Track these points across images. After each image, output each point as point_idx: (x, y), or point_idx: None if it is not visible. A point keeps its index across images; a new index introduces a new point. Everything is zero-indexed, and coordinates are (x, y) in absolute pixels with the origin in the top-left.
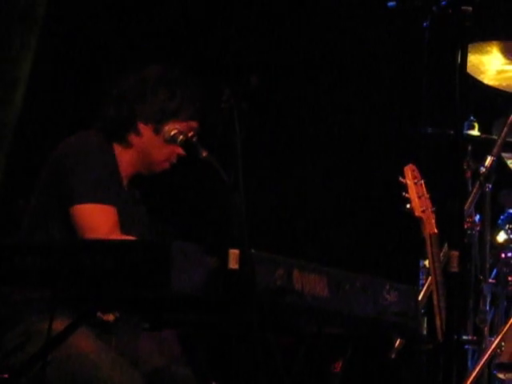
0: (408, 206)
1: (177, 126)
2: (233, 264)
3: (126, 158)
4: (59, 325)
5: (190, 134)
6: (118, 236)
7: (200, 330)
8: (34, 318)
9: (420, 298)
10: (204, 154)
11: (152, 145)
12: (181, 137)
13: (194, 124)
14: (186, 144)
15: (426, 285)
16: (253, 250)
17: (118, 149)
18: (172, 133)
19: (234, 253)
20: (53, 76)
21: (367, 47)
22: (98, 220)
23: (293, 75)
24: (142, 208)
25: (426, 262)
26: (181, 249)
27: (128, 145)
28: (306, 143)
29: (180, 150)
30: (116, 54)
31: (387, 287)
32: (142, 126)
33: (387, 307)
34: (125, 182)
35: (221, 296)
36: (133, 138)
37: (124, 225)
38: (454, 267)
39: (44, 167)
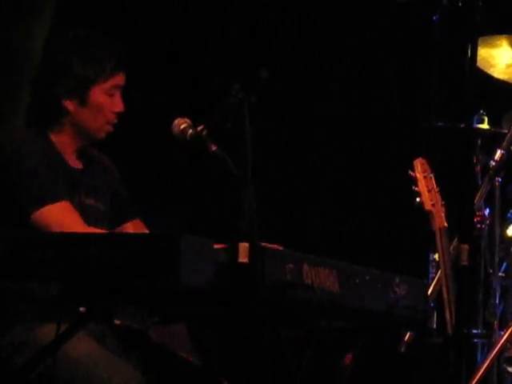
0: (418, 199)
1: (100, 90)
2: (243, 257)
3: (63, 140)
4: (48, 332)
5: (199, 128)
6: (88, 229)
7: (209, 324)
8: (20, 329)
9: (430, 291)
10: (213, 148)
11: (82, 117)
12: (190, 131)
13: (118, 80)
14: (195, 138)
15: (436, 278)
16: (263, 244)
17: (54, 136)
18: (181, 127)
19: (244, 246)
20: None
21: (377, 40)
22: (67, 219)
23: (303, 68)
24: (106, 174)
25: (436, 256)
26: (190, 242)
27: (61, 127)
28: (316, 136)
29: (118, 107)
30: None
31: (397, 281)
32: (67, 103)
33: (397, 301)
34: (72, 160)
35: (230, 289)
36: (62, 118)
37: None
38: (464, 261)
39: None
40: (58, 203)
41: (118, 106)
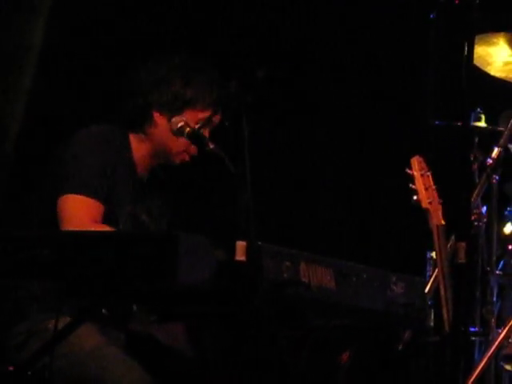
0: (415, 197)
1: (193, 117)
2: (240, 255)
3: (142, 149)
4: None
5: (196, 126)
6: (95, 227)
7: (207, 322)
8: (38, 316)
9: (427, 289)
10: (211, 146)
11: (167, 135)
12: (187, 128)
13: (214, 117)
14: (192, 135)
15: (433, 276)
16: (260, 243)
17: (134, 140)
18: (179, 124)
19: (241, 244)
20: (60, 71)
21: (374, 39)
22: (78, 212)
23: (300, 67)
24: (155, 199)
25: (433, 254)
26: (188, 240)
27: (145, 135)
28: (313, 136)
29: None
30: (123, 49)
31: (394, 279)
32: (157, 116)
33: (394, 299)
34: (142, 172)
35: (228, 288)
36: (149, 129)
37: (130, 215)
38: (461, 258)
39: (50, 158)
40: (82, 196)
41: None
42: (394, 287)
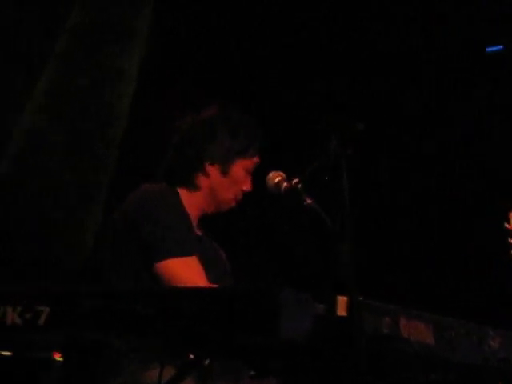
0: None
1: (244, 165)
2: (341, 311)
3: (193, 201)
4: (154, 373)
5: (294, 182)
6: (207, 285)
7: (307, 378)
8: (133, 368)
9: None
10: (309, 201)
11: (220, 185)
12: (285, 184)
13: (257, 159)
14: (290, 191)
15: None
16: (361, 298)
17: (183, 193)
18: (276, 180)
19: (342, 300)
20: None
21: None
22: (188, 273)
23: (395, 120)
24: (218, 250)
25: None
26: (289, 296)
27: (195, 187)
28: (409, 190)
29: (247, 187)
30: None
31: (491, 333)
32: (208, 167)
33: (491, 354)
34: (195, 225)
35: (329, 343)
36: (200, 180)
37: (207, 271)
38: None
39: (114, 224)
40: (185, 257)
41: (248, 185)
42: (491, 342)
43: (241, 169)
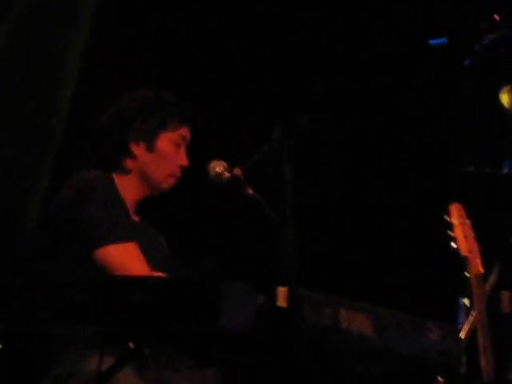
0: (454, 245)
1: (169, 138)
2: (281, 302)
3: (127, 186)
4: (93, 362)
5: (235, 171)
6: (149, 273)
7: (246, 368)
8: (72, 358)
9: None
10: (250, 191)
11: (149, 164)
12: (226, 174)
13: (184, 132)
14: (232, 181)
15: (468, 324)
16: (301, 289)
17: (118, 178)
18: (218, 169)
19: (282, 290)
20: None
21: (410, 85)
22: (127, 259)
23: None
24: (158, 236)
25: (465, 301)
26: (231, 286)
27: (126, 171)
28: (353, 182)
29: (182, 161)
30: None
31: (431, 326)
32: (134, 147)
33: (431, 346)
34: (132, 211)
35: (269, 334)
36: (129, 163)
37: (146, 257)
38: (505, 308)
39: (50, 210)
40: (123, 243)
41: (183, 159)
42: (431, 334)
43: (167, 143)
